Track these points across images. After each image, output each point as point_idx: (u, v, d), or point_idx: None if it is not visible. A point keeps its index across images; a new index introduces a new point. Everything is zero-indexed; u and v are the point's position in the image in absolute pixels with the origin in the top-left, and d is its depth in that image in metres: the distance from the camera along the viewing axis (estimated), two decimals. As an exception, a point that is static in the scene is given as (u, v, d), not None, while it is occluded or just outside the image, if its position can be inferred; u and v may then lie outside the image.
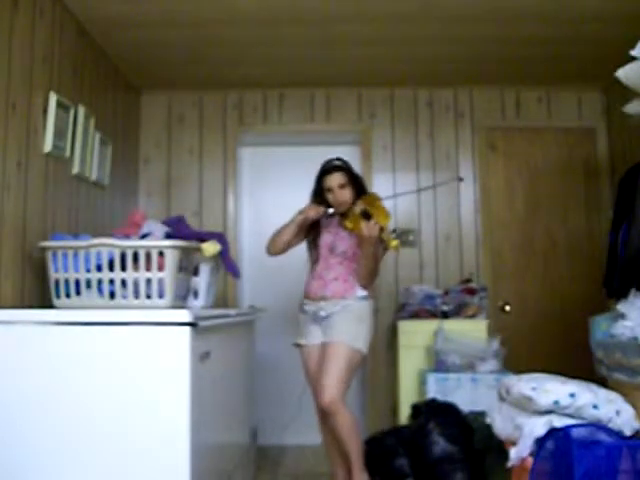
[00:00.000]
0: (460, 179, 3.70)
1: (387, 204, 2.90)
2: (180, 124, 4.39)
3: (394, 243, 2.77)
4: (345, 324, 2.81)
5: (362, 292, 2.90)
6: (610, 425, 2.15)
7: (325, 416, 2.82)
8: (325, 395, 2.70)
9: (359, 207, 2.80)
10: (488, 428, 2.57)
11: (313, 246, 3.02)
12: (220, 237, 2.80)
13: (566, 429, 2.08)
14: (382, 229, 2.75)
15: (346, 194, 2.91)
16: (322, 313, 2.87)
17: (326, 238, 2.97)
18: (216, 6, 3.14)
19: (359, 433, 2.82)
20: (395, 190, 4.30)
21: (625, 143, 4.08)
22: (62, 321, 2.13)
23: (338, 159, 3.00)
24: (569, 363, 3.36)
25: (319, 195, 2.98)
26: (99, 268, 2.35)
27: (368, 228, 2.71)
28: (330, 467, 3.02)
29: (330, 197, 2.93)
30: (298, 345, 3.00)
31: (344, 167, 2.96)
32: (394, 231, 2.95)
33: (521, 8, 3.18)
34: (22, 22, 2.66)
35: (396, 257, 4.20)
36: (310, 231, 3.02)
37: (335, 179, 2.93)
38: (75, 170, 3.17)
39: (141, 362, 2.08)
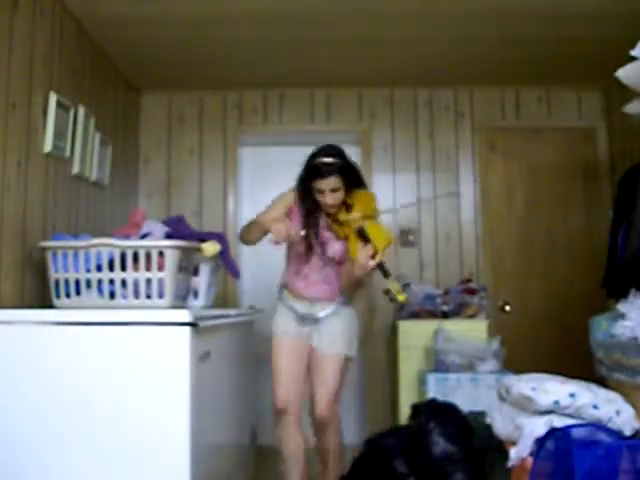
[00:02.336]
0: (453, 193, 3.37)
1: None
2: (180, 124, 4.39)
3: (401, 298, 2.54)
4: (338, 334, 2.71)
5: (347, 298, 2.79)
6: (610, 425, 2.15)
7: (291, 420, 2.72)
8: (324, 407, 2.66)
9: (356, 222, 2.54)
10: (488, 428, 2.57)
11: (306, 249, 2.71)
12: (220, 237, 2.80)
13: (566, 429, 2.08)
14: (381, 265, 2.48)
15: (338, 197, 2.61)
16: (312, 317, 2.74)
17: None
18: (216, 6, 3.14)
19: (343, 452, 2.87)
20: (395, 190, 4.30)
21: (625, 143, 4.08)
22: (62, 321, 2.13)
23: (332, 152, 2.62)
24: (569, 363, 3.36)
25: (306, 189, 2.67)
26: (99, 268, 2.35)
27: (363, 258, 2.44)
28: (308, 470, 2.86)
29: (320, 198, 2.63)
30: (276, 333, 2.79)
31: (341, 168, 2.58)
32: (404, 286, 2.75)
33: (521, 8, 3.18)
34: (22, 22, 2.65)
35: (396, 257, 4.20)
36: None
37: (329, 184, 2.58)
38: (75, 170, 3.17)
39: (141, 362, 2.08)
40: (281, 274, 2.90)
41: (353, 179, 2.65)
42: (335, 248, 2.67)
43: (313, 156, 2.63)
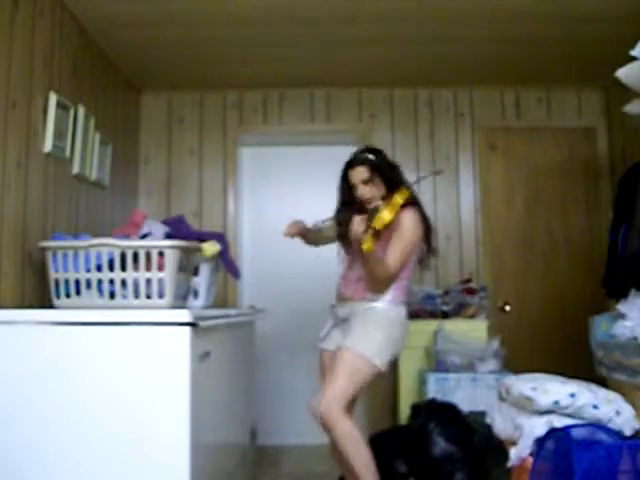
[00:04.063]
0: (438, 172, 3.03)
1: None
2: (180, 124, 4.39)
3: (366, 246, 2.37)
4: (360, 329, 2.51)
5: (390, 296, 2.56)
6: (610, 425, 2.15)
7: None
8: (321, 404, 2.41)
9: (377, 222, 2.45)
10: (488, 428, 2.58)
11: (341, 243, 2.70)
12: (220, 237, 2.80)
13: (566, 429, 2.08)
14: (372, 229, 2.41)
15: (371, 191, 2.57)
16: (341, 314, 2.65)
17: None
18: (216, 6, 3.14)
19: (364, 450, 2.44)
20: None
21: (625, 143, 4.08)
22: (62, 321, 2.13)
23: (366, 149, 2.68)
24: (569, 363, 3.36)
25: (347, 192, 2.65)
26: (99, 268, 2.35)
27: (354, 224, 2.42)
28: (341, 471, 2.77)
29: (355, 194, 2.61)
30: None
31: (369, 160, 2.58)
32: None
33: (521, 8, 3.18)
34: (22, 22, 2.65)
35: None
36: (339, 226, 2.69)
37: (357, 174, 2.58)
38: (75, 170, 3.17)
39: (141, 362, 2.08)
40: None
41: (390, 178, 2.59)
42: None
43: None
